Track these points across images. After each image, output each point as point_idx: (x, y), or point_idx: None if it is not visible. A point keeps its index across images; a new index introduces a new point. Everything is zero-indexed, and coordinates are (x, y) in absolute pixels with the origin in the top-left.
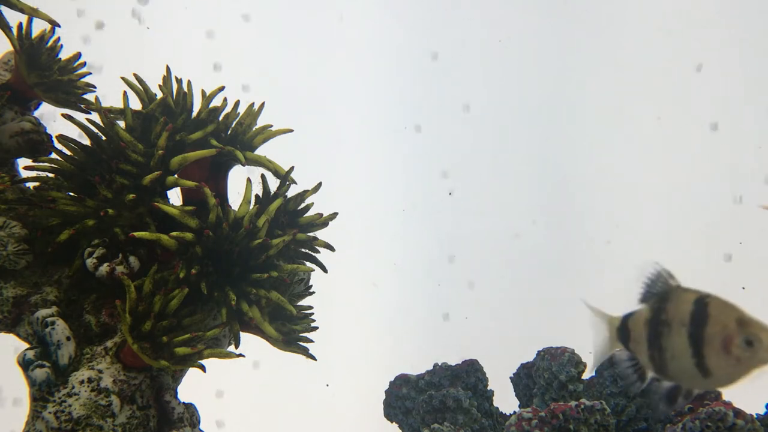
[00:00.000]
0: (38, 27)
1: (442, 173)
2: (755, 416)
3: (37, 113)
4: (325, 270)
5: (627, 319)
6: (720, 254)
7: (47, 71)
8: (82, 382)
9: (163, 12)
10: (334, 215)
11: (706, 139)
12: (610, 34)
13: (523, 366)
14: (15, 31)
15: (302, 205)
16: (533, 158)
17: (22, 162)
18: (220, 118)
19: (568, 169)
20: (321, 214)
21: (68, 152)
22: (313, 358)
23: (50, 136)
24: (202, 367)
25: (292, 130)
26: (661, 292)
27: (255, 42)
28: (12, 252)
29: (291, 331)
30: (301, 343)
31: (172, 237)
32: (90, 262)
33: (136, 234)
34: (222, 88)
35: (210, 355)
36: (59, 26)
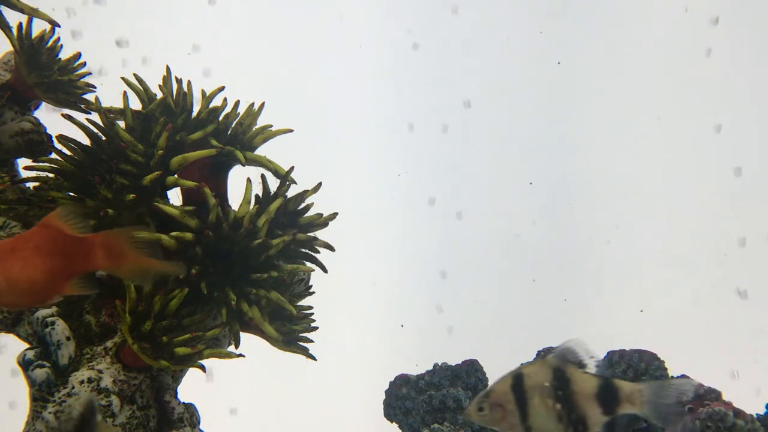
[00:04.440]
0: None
1: (442, 172)
2: (755, 416)
3: (37, 113)
4: (325, 270)
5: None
6: (720, 254)
7: (47, 71)
8: (82, 382)
9: (158, 13)
10: (334, 215)
11: (708, 139)
12: (610, 33)
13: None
14: (15, 31)
15: (302, 205)
16: (533, 158)
17: (22, 162)
18: (220, 119)
19: (569, 169)
20: (321, 214)
21: (68, 152)
22: (313, 358)
23: (50, 136)
24: (202, 367)
25: (292, 130)
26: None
27: (255, 42)
28: None
29: (291, 331)
30: (301, 343)
31: (172, 237)
32: None
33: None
34: (222, 89)
35: (210, 355)
36: (59, 26)
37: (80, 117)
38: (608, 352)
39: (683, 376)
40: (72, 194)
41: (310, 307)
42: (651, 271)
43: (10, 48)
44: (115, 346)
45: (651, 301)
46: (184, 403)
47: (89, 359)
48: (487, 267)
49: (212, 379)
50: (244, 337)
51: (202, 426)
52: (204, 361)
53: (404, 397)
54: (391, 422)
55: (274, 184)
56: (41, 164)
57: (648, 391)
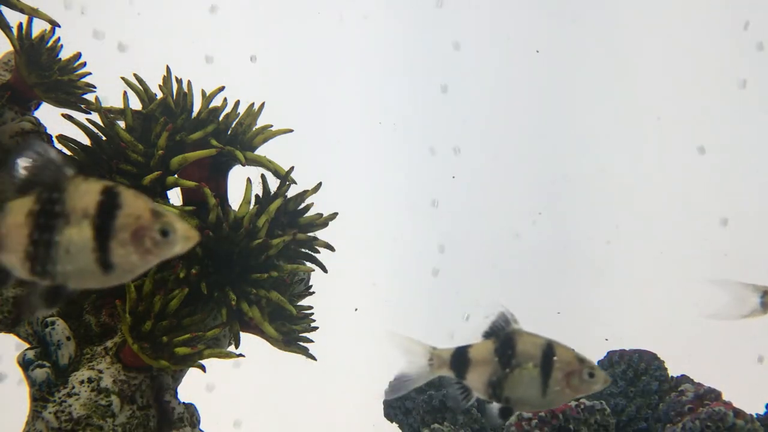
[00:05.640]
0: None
1: (442, 172)
2: (755, 416)
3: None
4: (325, 270)
5: (464, 351)
6: (720, 254)
7: (47, 71)
8: (82, 382)
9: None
10: (334, 215)
11: (708, 139)
12: (610, 32)
13: None
14: (15, 31)
15: (302, 205)
16: (533, 158)
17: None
18: (220, 118)
19: (569, 169)
20: (321, 214)
21: (68, 152)
22: (313, 358)
23: (50, 136)
24: (202, 367)
25: (292, 130)
26: (504, 332)
27: (255, 42)
28: None
29: (291, 331)
30: (301, 343)
31: None
32: None
33: None
34: (222, 88)
35: (210, 355)
36: (59, 26)
37: (80, 117)
38: (608, 352)
39: (683, 377)
40: None
41: (310, 307)
42: (651, 271)
43: (10, 48)
44: (115, 346)
45: (651, 301)
46: (184, 403)
47: (89, 359)
48: (487, 267)
49: (211, 378)
50: (244, 337)
51: (202, 426)
52: (203, 361)
53: (404, 397)
54: (391, 422)
55: (274, 184)
56: None
57: None
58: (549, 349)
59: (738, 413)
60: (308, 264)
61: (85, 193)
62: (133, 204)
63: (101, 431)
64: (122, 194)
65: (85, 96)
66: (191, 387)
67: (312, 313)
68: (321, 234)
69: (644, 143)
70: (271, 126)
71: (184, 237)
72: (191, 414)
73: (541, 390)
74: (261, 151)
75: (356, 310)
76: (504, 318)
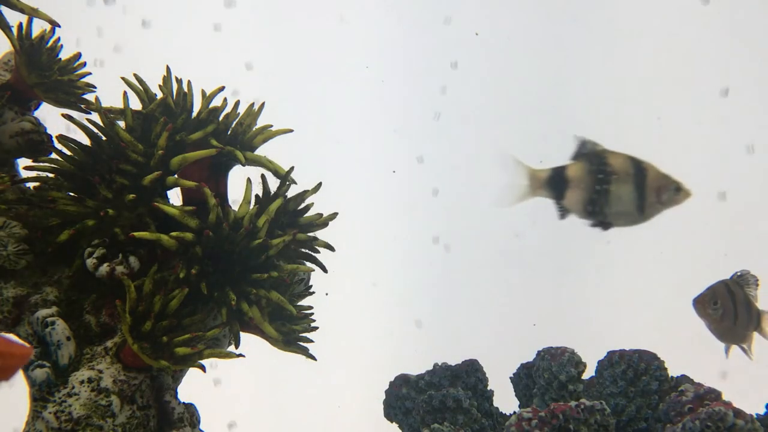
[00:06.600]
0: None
1: (442, 172)
2: (755, 416)
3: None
4: (325, 270)
5: (560, 171)
6: (720, 254)
7: (47, 71)
8: (82, 382)
9: (161, 7)
10: (334, 215)
11: (708, 138)
12: (609, 33)
13: (523, 366)
14: (15, 31)
15: (302, 205)
16: (533, 158)
17: (22, 162)
18: (220, 119)
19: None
20: (321, 214)
21: (68, 152)
22: (313, 358)
23: (50, 136)
24: (202, 367)
25: (292, 130)
26: (589, 153)
27: (255, 42)
28: (12, 252)
29: (291, 331)
30: (301, 343)
31: (172, 237)
32: (90, 262)
33: (136, 234)
34: (222, 89)
35: (210, 355)
36: (59, 26)
37: (80, 117)
38: (608, 352)
39: (683, 377)
40: (72, 194)
41: (310, 307)
42: (651, 271)
43: (10, 48)
44: (115, 346)
45: (651, 301)
46: (184, 403)
47: (89, 359)
48: (486, 267)
49: (211, 378)
50: (244, 337)
51: (202, 426)
52: (204, 361)
53: (404, 397)
54: (391, 422)
55: (274, 184)
56: (41, 164)
57: None
58: None
59: (738, 413)
60: (308, 264)
61: (622, 161)
62: (653, 169)
63: (101, 431)
64: (644, 162)
65: (85, 96)
66: (189, 388)
67: (312, 313)
68: (321, 234)
69: (645, 143)
70: (271, 126)
71: (686, 193)
72: (191, 414)
73: None
74: (261, 151)
75: (327, 294)
76: None
